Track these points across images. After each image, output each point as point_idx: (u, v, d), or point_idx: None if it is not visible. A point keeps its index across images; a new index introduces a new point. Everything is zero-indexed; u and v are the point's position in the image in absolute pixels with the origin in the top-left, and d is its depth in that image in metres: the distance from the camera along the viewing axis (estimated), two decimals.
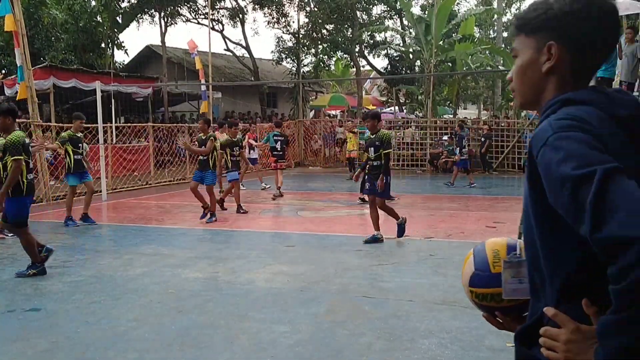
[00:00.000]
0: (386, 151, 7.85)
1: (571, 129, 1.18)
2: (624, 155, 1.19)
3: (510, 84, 1.43)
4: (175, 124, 21.54)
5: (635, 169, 1.19)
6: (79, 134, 9.77)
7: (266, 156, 16.96)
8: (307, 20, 27.53)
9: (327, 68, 30.04)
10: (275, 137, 13.52)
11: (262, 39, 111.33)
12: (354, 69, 30.42)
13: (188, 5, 27.94)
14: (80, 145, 9.63)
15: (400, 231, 8.05)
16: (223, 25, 29.60)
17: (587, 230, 1.07)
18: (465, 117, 26.73)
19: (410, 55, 28.17)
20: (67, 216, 9.48)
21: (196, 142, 10.43)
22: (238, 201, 10.72)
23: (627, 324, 1.04)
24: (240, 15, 28.90)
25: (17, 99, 12.62)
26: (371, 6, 29.51)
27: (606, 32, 1.30)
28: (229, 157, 10.77)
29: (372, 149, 7.90)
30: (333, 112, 33.91)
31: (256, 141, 15.36)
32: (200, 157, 9.98)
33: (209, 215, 9.80)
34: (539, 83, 1.34)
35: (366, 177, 8.27)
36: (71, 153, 9.45)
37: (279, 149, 13.39)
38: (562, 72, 1.31)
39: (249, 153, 14.46)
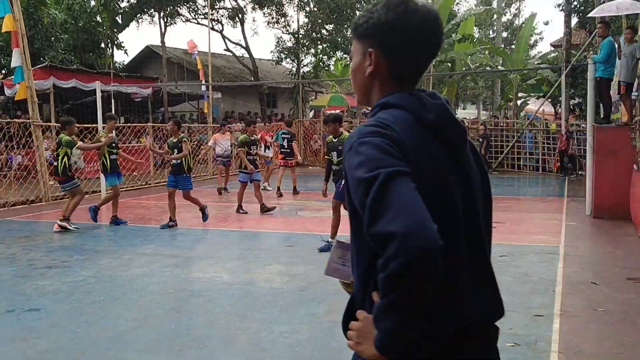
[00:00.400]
0: None
1: (372, 134, 1.29)
2: (429, 157, 1.33)
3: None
4: None
5: (441, 168, 1.34)
6: (112, 134, 9.90)
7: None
8: (306, 20, 27.55)
9: (326, 68, 30.06)
10: (283, 135, 13.83)
11: (262, 39, 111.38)
12: None
13: (187, 5, 27.95)
14: (114, 144, 9.75)
15: (325, 248, 7.31)
16: (222, 25, 29.64)
17: (365, 226, 1.21)
18: (464, 118, 26.75)
19: None
20: (113, 214, 9.58)
21: (166, 147, 9.73)
22: (240, 201, 10.70)
23: (389, 308, 1.20)
24: (240, 15, 28.91)
25: (15, 99, 12.62)
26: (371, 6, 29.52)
27: (422, 40, 1.40)
28: (245, 156, 10.61)
29: (335, 153, 7.65)
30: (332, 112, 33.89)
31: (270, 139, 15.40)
32: (174, 161, 9.35)
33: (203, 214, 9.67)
34: (366, 84, 1.47)
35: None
36: (107, 154, 9.57)
37: (285, 147, 13.63)
38: (382, 77, 1.43)
39: (264, 151, 14.55)
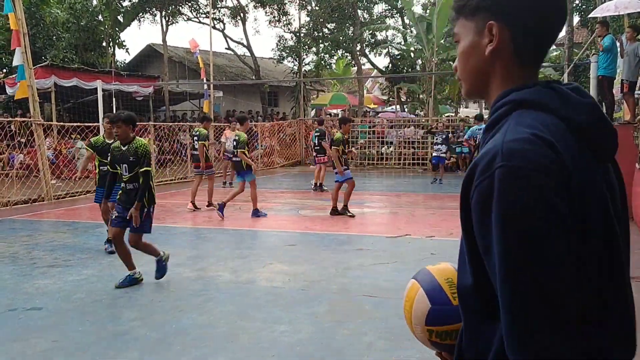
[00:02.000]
0: (143, 169, 5.68)
1: (534, 166, 1.00)
2: (588, 172, 1.06)
3: (456, 73, 1.29)
4: (176, 123, 21.55)
5: (599, 185, 1.08)
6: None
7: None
8: (308, 18, 27.53)
9: (328, 67, 30.06)
10: (315, 134, 14.29)
11: (263, 37, 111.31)
12: (355, 68, 30.40)
13: (189, 4, 27.96)
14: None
15: (161, 270, 6.01)
16: (224, 24, 29.66)
17: (502, 321, 1.02)
18: (466, 116, 26.73)
19: (412, 54, 28.16)
20: (254, 208, 10.23)
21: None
22: (335, 202, 10.19)
23: None
24: (242, 14, 28.90)
25: (15, 98, 12.64)
26: (372, 5, 29.51)
27: (548, 8, 1.16)
28: (340, 155, 10.07)
29: (125, 165, 5.70)
30: (334, 111, 33.93)
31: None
32: (102, 168, 7.32)
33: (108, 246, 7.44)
34: (484, 68, 1.21)
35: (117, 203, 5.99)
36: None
37: (316, 144, 14.01)
38: (506, 55, 1.17)
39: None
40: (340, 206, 10.19)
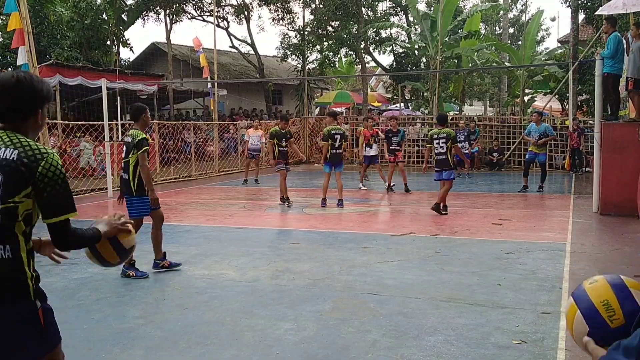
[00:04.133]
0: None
1: None
2: None
3: None
4: (180, 121, 21.58)
5: None
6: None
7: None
8: (312, 16, 27.49)
9: (332, 65, 30.02)
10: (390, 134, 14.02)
11: (268, 35, 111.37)
12: (359, 66, 30.36)
13: (193, 3, 27.97)
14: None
15: None
16: (228, 22, 29.64)
17: None
18: (474, 115, 26.67)
19: (416, 52, 28.12)
20: (322, 198, 11.11)
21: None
22: (443, 200, 10.06)
23: None
24: (246, 12, 28.89)
25: None
26: (376, 2, 29.46)
27: None
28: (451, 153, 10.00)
29: None
30: (338, 109, 33.90)
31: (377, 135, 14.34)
32: (123, 175, 6.32)
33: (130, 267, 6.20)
34: None
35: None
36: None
37: (393, 143, 13.70)
38: None
39: (366, 150, 13.90)
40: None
